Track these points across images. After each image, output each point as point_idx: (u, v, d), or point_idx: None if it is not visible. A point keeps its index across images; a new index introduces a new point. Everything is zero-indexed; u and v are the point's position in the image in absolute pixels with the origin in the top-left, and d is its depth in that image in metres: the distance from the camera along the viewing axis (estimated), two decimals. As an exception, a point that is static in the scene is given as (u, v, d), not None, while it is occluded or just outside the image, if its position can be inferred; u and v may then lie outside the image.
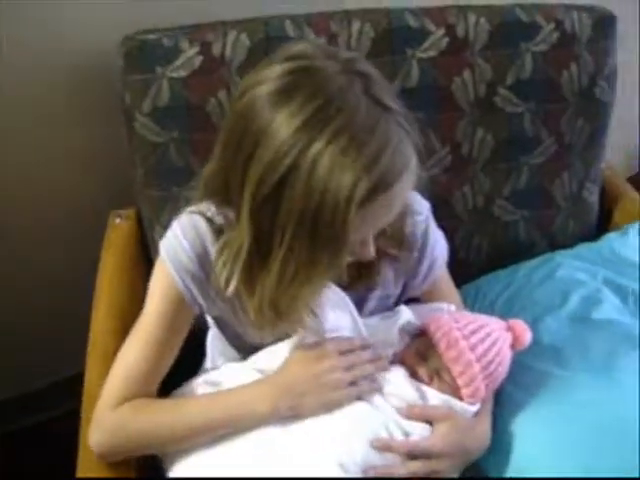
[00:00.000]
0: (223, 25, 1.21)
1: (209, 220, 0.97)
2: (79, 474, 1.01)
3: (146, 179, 1.26)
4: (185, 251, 0.97)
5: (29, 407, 1.67)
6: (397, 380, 1.02)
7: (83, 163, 1.45)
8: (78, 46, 1.30)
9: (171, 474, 1.03)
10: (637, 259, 1.32)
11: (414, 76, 1.26)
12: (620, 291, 1.28)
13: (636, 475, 0.98)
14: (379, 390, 1.01)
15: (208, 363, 1.20)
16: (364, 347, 1.03)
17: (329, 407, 0.98)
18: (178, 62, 1.18)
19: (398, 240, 1.04)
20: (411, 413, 1.00)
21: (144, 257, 1.35)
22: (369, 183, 0.78)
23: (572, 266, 1.33)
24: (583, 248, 1.40)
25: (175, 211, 1.24)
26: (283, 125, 0.79)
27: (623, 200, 1.51)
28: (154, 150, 1.23)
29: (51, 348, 1.57)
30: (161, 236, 1.26)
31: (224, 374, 1.08)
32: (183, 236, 0.98)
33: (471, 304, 1.30)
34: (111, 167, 1.43)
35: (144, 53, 1.19)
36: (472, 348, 1.02)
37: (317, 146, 0.77)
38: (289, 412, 0.97)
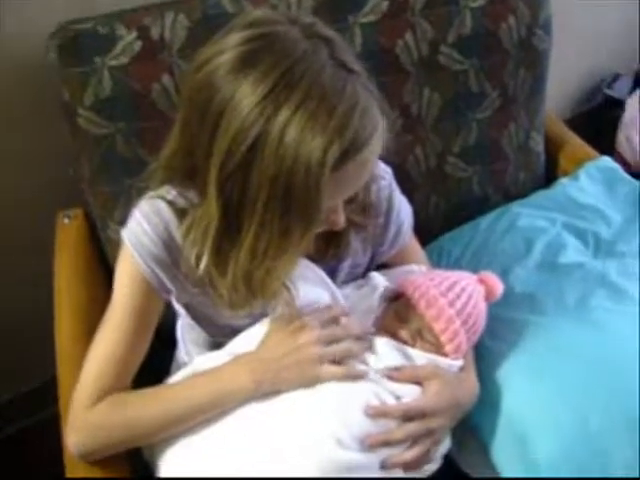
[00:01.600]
0: (159, 7, 1.16)
1: (171, 203, 0.94)
2: (68, 474, 0.99)
3: (95, 175, 1.21)
4: (149, 237, 0.94)
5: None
6: (381, 347, 1.02)
7: (23, 164, 1.39)
8: (9, 41, 1.23)
9: (161, 464, 1.01)
10: (591, 201, 1.36)
11: (357, 42, 1.24)
12: (580, 234, 1.32)
13: (631, 405, 1.01)
14: (364, 361, 1.00)
15: (181, 354, 1.18)
16: (343, 314, 1.02)
17: (309, 382, 0.96)
18: (117, 50, 1.13)
19: (363, 207, 1.03)
20: (401, 375, 0.99)
21: (98, 256, 1.30)
22: (341, 146, 0.78)
23: (531, 215, 1.36)
24: (538, 196, 1.43)
25: (129, 205, 1.21)
26: (248, 93, 0.77)
27: (566, 146, 1.54)
28: (100, 144, 1.18)
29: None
30: (116, 233, 1.24)
31: (201, 366, 1.05)
32: (146, 222, 0.94)
33: (437, 263, 1.32)
34: (52, 167, 1.37)
35: (80, 44, 1.13)
36: (451, 304, 1.03)
37: (285, 112, 0.76)
38: (271, 387, 0.96)
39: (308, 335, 0.96)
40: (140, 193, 1.19)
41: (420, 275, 1.10)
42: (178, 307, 1.13)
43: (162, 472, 1.01)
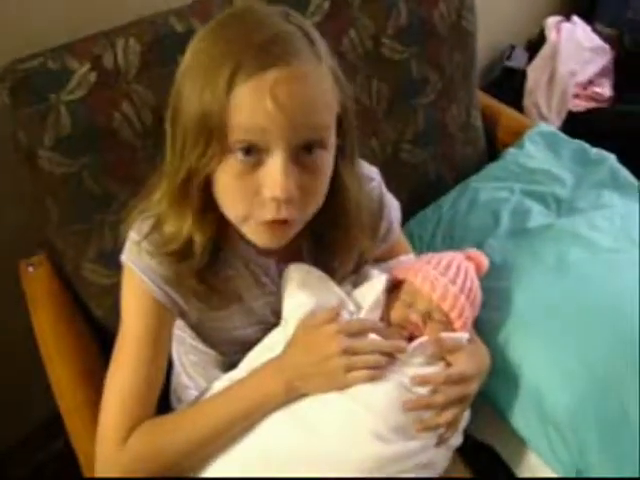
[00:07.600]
0: (107, 35, 1.13)
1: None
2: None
3: (63, 216, 1.15)
4: (153, 256, 0.92)
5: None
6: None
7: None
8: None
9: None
10: (542, 166, 1.42)
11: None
12: (539, 198, 1.37)
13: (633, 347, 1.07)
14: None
15: (182, 378, 1.16)
16: (372, 329, 1.00)
17: (336, 389, 0.95)
18: (72, 84, 1.09)
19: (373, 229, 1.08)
20: (438, 344, 1.01)
21: (73, 299, 1.25)
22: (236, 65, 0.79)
23: (489, 188, 1.41)
24: (491, 169, 1.48)
25: (102, 241, 1.17)
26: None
27: (500, 117, 1.61)
28: (66, 183, 1.12)
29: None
30: (92, 272, 1.20)
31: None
32: (146, 241, 0.92)
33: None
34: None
35: (31, 82, 1.07)
36: (452, 282, 1.06)
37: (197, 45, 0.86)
38: (300, 392, 0.95)
39: (336, 345, 0.95)
40: (112, 227, 1.16)
41: (416, 260, 1.13)
42: (179, 331, 1.10)
43: None
